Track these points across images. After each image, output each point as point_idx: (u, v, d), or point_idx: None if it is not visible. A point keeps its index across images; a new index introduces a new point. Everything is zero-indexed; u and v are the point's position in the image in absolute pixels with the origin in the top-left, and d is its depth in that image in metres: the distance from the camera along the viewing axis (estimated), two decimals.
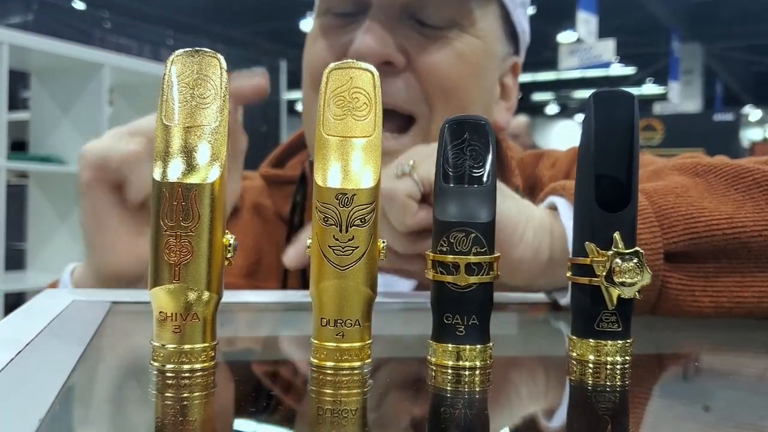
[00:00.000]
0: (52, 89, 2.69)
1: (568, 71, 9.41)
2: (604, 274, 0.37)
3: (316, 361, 0.36)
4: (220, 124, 0.35)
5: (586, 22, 7.19)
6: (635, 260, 0.37)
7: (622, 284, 0.37)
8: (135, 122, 0.60)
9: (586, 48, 7.79)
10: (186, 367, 0.34)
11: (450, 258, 0.36)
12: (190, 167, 0.34)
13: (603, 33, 7.58)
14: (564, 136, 14.65)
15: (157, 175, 0.34)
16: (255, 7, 7.50)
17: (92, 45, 3.53)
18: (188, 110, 0.35)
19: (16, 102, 3.38)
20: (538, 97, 14.54)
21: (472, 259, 0.36)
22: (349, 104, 0.36)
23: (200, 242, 0.34)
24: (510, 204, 0.53)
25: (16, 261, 2.83)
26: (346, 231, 0.35)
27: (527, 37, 0.78)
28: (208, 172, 0.34)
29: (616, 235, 0.38)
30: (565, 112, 15.98)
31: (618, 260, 0.37)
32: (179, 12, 7.53)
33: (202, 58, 0.35)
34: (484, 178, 0.37)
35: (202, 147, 0.34)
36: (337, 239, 0.35)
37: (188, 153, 0.34)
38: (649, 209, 0.51)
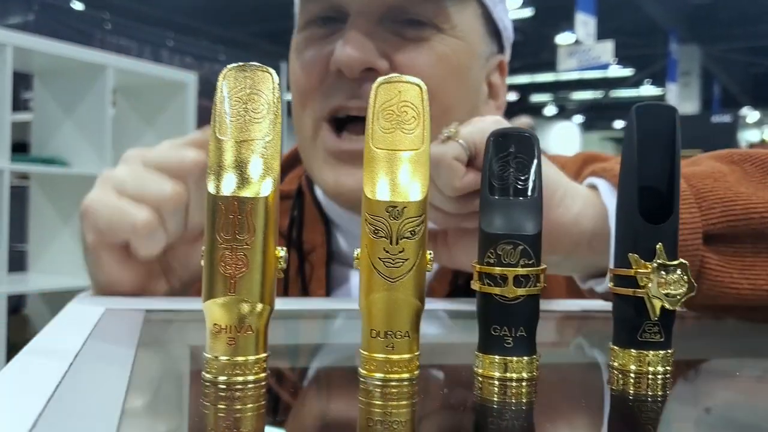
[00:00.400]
0: (54, 91, 2.69)
1: (566, 72, 9.43)
2: (650, 285, 0.37)
3: (364, 372, 0.36)
4: (273, 138, 0.35)
5: (585, 23, 7.21)
6: (679, 272, 0.38)
7: (667, 296, 0.38)
8: (152, 156, 0.57)
9: (585, 49, 7.81)
10: (239, 379, 0.34)
11: (498, 270, 0.36)
12: (245, 181, 0.34)
13: (601, 35, 7.60)
14: (562, 137, 14.67)
15: (211, 188, 0.34)
16: (255, 8, 7.50)
17: (92, 46, 3.53)
18: (241, 124, 0.35)
19: (17, 103, 3.37)
20: (536, 98, 14.56)
21: (521, 271, 0.36)
22: (397, 118, 0.37)
23: (255, 255, 0.34)
24: (551, 170, 0.52)
25: (17, 262, 2.83)
26: (397, 243, 0.35)
27: (510, 33, 0.78)
28: (263, 186, 0.34)
29: (659, 247, 0.38)
30: (564, 113, 16.01)
31: (663, 272, 0.37)
32: (179, 13, 7.53)
33: (254, 72, 0.36)
34: (530, 191, 0.38)
35: (256, 161, 0.35)
36: (387, 251, 0.35)
37: (242, 167, 0.34)
38: (688, 191, 0.51)
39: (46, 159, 2.64)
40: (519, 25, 9.30)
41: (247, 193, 0.34)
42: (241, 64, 0.36)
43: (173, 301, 0.56)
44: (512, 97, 12.91)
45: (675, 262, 0.38)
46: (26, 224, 3.00)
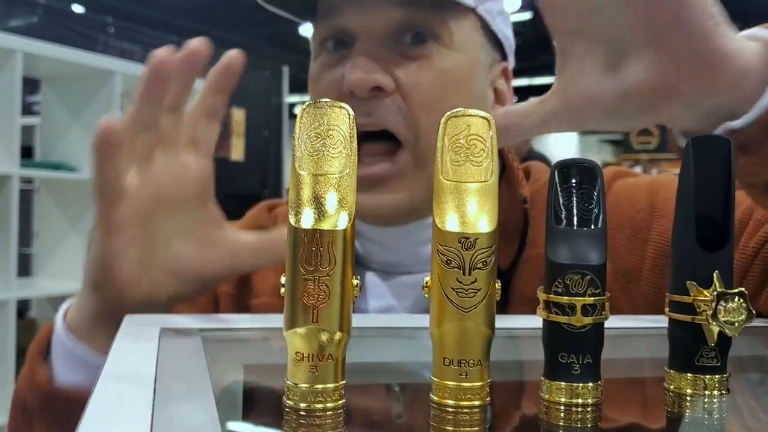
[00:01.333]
0: (62, 96, 2.70)
1: None
2: (710, 313, 0.39)
3: (436, 398, 0.37)
4: (350, 172, 0.36)
5: None
6: (738, 299, 0.39)
7: (726, 323, 0.39)
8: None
9: None
10: (319, 406, 0.35)
11: (566, 299, 0.37)
12: (324, 214, 0.35)
13: None
14: (560, 140, 14.69)
15: (293, 221, 0.35)
16: (255, 12, 7.50)
17: (96, 50, 3.54)
18: (319, 159, 0.36)
19: (21, 107, 3.38)
20: None
21: (588, 300, 0.37)
22: (466, 150, 0.38)
23: (335, 285, 0.35)
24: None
25: (22, 267, 2.83)
26: (469, 274, 0.36)
27: (512, 42, 0.81)
28: (340, 219, 0.35)
29: (716, 275, 0.39)
30: None
31: (722, 300, 0.39)
32: (181, 17, 7.53)
33: (332, 109, 0.37)
34: (594, 221, 0.39)
35: (334, 194, 0.36)
36: (460, 282, 0.36)
37: (320, 200, 0.36)
38: None
39: (54, 164, 2.65)
40: (518, 28, 9.26)
41: (326, 225, 0.35)
42: (317, 101, 0.37)
43: (220, 320, 0.57)
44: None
45: (735, 291, 0.39)
46: (31, 228, 3.00)
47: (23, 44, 2.36)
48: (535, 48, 10.19)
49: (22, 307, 2.98)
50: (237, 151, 4.32)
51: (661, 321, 0.43)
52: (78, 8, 6.57)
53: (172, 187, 0.59)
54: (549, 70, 9.79)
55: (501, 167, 0.80)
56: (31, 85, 3.26)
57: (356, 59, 0.69)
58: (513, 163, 0.79)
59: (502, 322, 0.61)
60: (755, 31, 0.53)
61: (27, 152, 3.09)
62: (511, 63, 0.82)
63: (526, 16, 9.34)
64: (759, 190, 0.54)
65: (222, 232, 0.62)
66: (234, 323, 0.57)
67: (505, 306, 0.70)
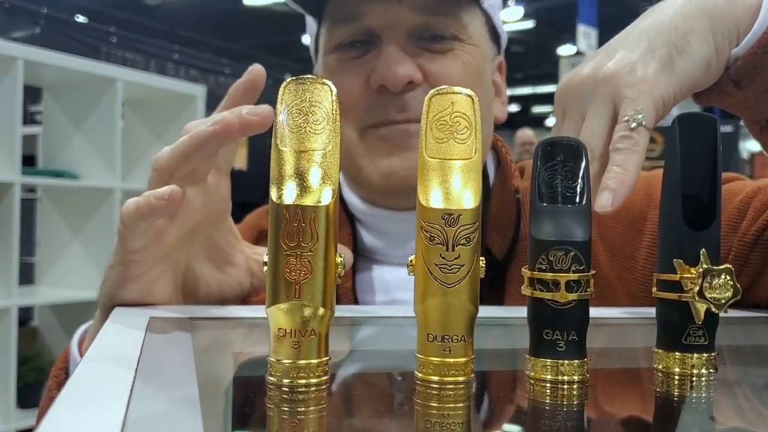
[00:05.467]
0: (64, 104, 2.71)
1: None
2: (696, 290, 0.39)
3: (421, 375, 0.37)
4: (333, 148, 0.36)
5: (587, 35, 7.25)
6: (725, 276, 0.39)
7: (713, 299, 0.39)
8: None
9: None
10: (302, 381, 0.35)
11: (550, 276, 0.37)
12: (306, 190, 0.35)
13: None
14: None
15: (274, 197, 0.35)
16: (257, 21, 7.54)
17: (98, 59, 3.56)
18: (301, 135, 0.36)
19: (24, 116, 3.40)
20: (538, 109, 14.62)
21: (572, 276, 0.37)
22: (451, 128, 0.38)
23: (318, 261, 0.35)
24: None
25: (25, 275, 2.83)
26: (453, 250, 0.36)
27: (505, 37, 0.85)
28: (323, 194, 0.35)
29: (703, 253, 0.39)
30: None
31: (708, 277, 0.39)
32: (183, 27, 7.57)
33: (313, 85, 0.37)
34: (578, 198, 0.39)
35: (317, 170, 0.36)
36: (443, 258, 0.36)
37: (303, 176, 0.36)
38: None
39: (56, 172, 2.66)
40: (521, 37, 9.33)
41: (308, 201, 0.35)
42: (300, 77, 0.37)
43: (214, 310, 0.57)
44: (514, 108, 12.96)
45: (721, 268, 0.39)
46: (34, 237, 3.01)
47: (24, 52, 2.38)
48: (537, 57, 10.23)
49: (25, 316, 2.97)
50: (240, 160, 4.35)
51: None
52: (81, 18, 6.60)
53: (200, 212, 0.57)
54: (552, 78, 9.81)
55: (496, 161, 0.81)
56: (33, 94, 3.28)
57: (390, 55, 0.71)
58: (507, 157, 0.80)
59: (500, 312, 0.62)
60: None
61: (30, 161, 3.10)
62: (502, 56, 0.85)
63: (529, 25, 9.38)
64: (758, 127, 0.59)
65: (239, 250, 0.62)
66: (225, 313, 0.57)
67: (501, 296, 0.71)
